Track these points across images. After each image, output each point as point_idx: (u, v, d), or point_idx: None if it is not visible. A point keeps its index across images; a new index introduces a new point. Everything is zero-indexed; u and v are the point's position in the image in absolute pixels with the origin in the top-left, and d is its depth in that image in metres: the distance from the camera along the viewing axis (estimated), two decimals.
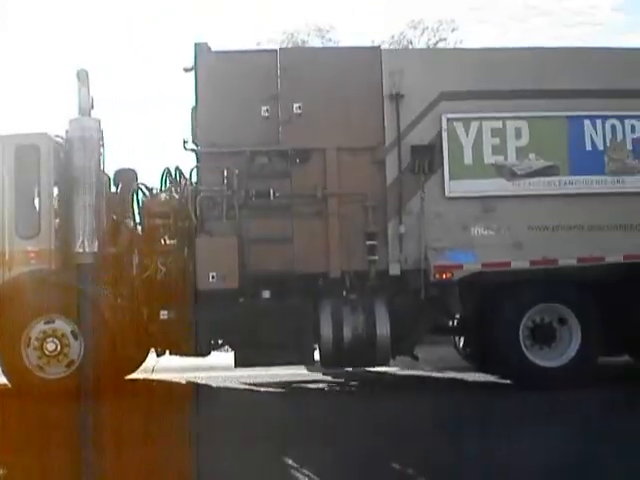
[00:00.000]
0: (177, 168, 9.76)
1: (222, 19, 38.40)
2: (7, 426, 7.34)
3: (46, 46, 37.12)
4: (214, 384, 10.13)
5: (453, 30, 24.16)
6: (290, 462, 6.11)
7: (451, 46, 22.19)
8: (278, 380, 10.09)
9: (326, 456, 6.16)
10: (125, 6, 40.14)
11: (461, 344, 10.68)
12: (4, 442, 6.54)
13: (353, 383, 10.05)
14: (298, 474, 5.81)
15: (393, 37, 23.98)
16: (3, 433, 6.83)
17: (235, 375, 10.15)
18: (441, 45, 23.04)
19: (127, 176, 10.17)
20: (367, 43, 21.28)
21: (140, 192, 10.02)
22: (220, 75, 9.36)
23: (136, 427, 7.19)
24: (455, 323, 10.10)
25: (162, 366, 10.01)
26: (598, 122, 9.47)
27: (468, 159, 9.34)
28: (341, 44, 21.60)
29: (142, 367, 10.39)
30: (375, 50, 9.85)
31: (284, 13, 41.15)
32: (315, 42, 22.86)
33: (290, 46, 21.38)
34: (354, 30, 36.32)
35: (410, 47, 22.81)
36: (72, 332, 9.11)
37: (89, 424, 7.49)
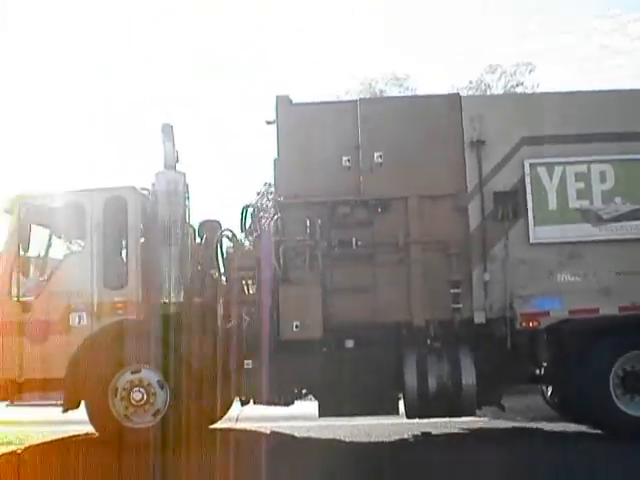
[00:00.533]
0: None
1: (301, 72, 39.42)
2: (94, 475, 7.57)
3: (135, 101, 38.56)
4: (297, 434, 10.14)
5: (530, 72, 24.22)
6: None
7: (529, 89, 22.19)
8: (364, 431, 10.03)
9: None
10: (210, 60, 41.48)
11: (549, 393, 10.49)
12: None
13: (439, 434, 9.90)
14: None
15: (471, 82, 24.17)
16: None
17: (319, 425, 10.14)
18: (519, 89, 23.07)
19: (211, 227, 10.40)
20: (445, 89, 21.64)
21: (225, 241, 10.23)
22: (301, 127, 9.58)
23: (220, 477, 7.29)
24: (542, 372, 9.89)
25: (246, 415, 10.08)
26: None
27: (552, 204, 9.28)
28: (418, 91, 21.89)
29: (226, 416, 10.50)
30: (454, 97, 9.92)
31: (360, 63, 41.91)
32: (393, 91, 23.17)
33: (368, 96, 21.67)
34: (431, 77, 36.96)
35: (488, 92, 22.91)
36: (158, 382, 9.29)
37: (176, 473, 7.65)
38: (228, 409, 10.65)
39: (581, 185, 9.29)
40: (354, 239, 9.30)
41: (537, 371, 9.89)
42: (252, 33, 46.91)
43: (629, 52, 38.17)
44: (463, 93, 20.59)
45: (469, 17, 42.35)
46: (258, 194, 20.29)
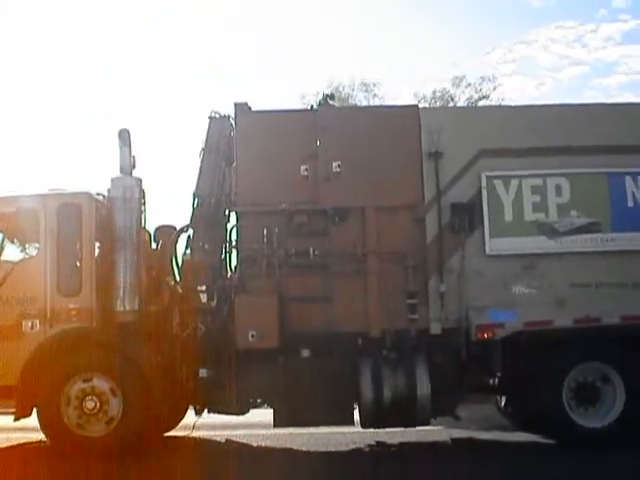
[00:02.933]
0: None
1: (268, 72, 39.66)
2: None
3: (89, 103, 38.50)
4: (254, 442, 10.33)
5: (495, 88, 24.74)
6: None
7: (493, 102, 22.65)
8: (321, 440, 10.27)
9: None
10: (168, 59, 41.50)
11: (503, 403, 10.81)
12: None
13: (392, 443, 10.17)
14: None
15: (435, 92, 24.60)
16: None
17: (275, 433, 10.34)
18: (483, 102, 23.55)
19: (167, 232, 10.53)
20: (409, 99, 22.03)
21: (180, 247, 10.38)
22: (259, 135, 9.77)
23: None
24: (497, 382, 10.19)
25: (202, 423, 10.24)
26: (639, 178, 9.69)
27: (508, 216, 9.59)
28: (385, 98, 22.26)
29: (182, 424, 10.66)
30: (413, 109, 10.18)
31: (330, 66, 42.34)
32: (359, 96, 23.53)
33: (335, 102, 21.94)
34: (396, 86, 37.52)
35: (451, 103, 23.34)
36: (111, 390, 9.41)
37: None
38: (182, 417, 10.82)
39: (537, 198, 9.60)
40: (311, 248, 9.51)
41: (491, 381, 10.18)
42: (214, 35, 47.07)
43: (586, 62, 39.33)
44: (427, 104, 21.19)
45: (433, 27, 43.09)
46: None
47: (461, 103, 24.67)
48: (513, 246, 9.54)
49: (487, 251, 9.52)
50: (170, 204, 11.70)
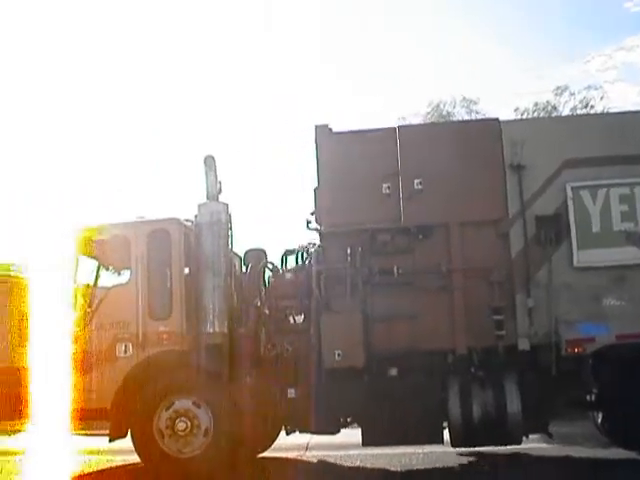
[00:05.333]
0: (301, 248, 10.46)
1: (364, 90, 40.26)
2: None
3: (175, 132, 39.85)
4: (346, 463, 10.57)
5: (602, 97, 24.44)
6: None
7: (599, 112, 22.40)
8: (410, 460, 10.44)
9: None
10: (254, 87, 42.61)
11: (599, 419, 10.74)
12: None
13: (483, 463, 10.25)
14: None
15: (537, 104, 24.46)
16: None
17: (375, 453, 10.55)
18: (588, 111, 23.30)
19: (256, 256, 10.95)
20: (510, 113, 22.08)
21: (267, 272, 10.77)
22: (340, 155, 10.09)
23: None
24: (591, 398, 10.14)
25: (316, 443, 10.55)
26: None
27: (596, 227, 9.60)
28: (487, 114, 22.32)
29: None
30: (494, 122, 10.28)
31: (430, 84, 42.68)
32: (461, 113, 23.65)
33: (434, 118, 22.16)
34: (497, 100, 37.62)
35: (554, 114, 23.14)
36: (201, 411, 9.83)
37: None
38: (275, 438, 11.18)
39: (625, 207, 9.59)
40: (395, 267, 9.74)
41: (586, 397, 10.13)
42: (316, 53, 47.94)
43: None
44: (529, 115, 21.12)
45: (529, 37, 42.82)
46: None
47: (565, 113, 24.39)
48: (602, 257, 9.54)
49: (575, 263, 9.55)
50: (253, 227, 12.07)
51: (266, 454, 11.25)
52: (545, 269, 9.58)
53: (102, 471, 10.83)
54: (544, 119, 15.27)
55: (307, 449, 10.54)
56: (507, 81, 41.31)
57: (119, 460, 11.14)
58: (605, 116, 10.41)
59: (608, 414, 10.36)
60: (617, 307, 9.47)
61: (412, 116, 23.46)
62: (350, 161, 10.02)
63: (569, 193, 9.63)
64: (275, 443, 11.23)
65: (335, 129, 10.32)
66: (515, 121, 15.05)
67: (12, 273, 19.51)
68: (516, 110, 24.44)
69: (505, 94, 41.59)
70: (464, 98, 25.38)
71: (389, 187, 9.90)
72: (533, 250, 9.62)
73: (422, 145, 9.97)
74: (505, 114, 22.96)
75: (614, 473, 9.40)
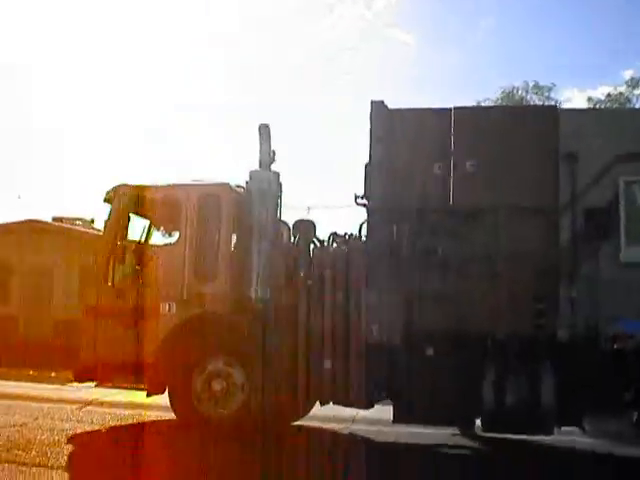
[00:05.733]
0: (346, 234, 10.65)
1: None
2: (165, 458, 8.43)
3: (233, 99, 40.33)
4: (376, 437, 10.69)
5: None
6: None
7: None
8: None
9: None
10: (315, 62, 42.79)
11: (635, 418, 10.66)
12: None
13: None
14: None
15: (610, 95, 24.09)
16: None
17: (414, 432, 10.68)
18: None
19: (305, 227, 11.11)
20: (583, 102, 21.83)
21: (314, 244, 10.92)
22: (394, 132, 10.14)
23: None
24: (629, 396, 10.08)
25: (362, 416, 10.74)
26: None
27: None
28: (559, 102, 22.10)
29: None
30: (552, 109, 10.29)
31: (505, 72, 42.29)
32: (533, 100, 23.43)
33: (505, 103, 22.00)
34: (571, 88, 37.16)
35: (628, 105, 22.78)
36: (238, 373, 10.08)
37: (242, 464, 8.49)
38: (310, 407, 11.35)
39: None
40: (440, 247, 9.80)
41: (624, 394, 10.05)
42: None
43: None
44: (601, 106, 20.82)
45: (607, 29, 42.02)
46: None
47: (638, 105, 23.97)
48: None
49: (622, 259, 9.47)
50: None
51: (308, 423, 11.46)
52: (591, 262, 9.52)
53: (138, 426, 11.06)
54: (602, 110, 15.09)
55: (353, 422, 10.67)
56: (585, 71, 40.51)
57: (154, 416, 11.40)
58: None
59: None
60: None
61: (484, 102, 23.27)
62: (403, 139, 10.08)
63: (621, 187, 9.54)
64: (325, 414, 11.38)
65: (390, 106, 10.36)
66: (573, 110, 14.85)
67: None
68: (589, 100, 24.09)
69: (582, 84, 40.87)
70: (536, 84, 25.05)
71: (440, 167, 9.94)
72: (580, 242, 9.57)
73: (476, 127, 9.99)
74: (578, 103, 22.62)
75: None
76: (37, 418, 10.95)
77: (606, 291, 9.45)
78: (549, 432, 9.68)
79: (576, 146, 9.63)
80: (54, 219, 26.50)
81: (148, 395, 10.47)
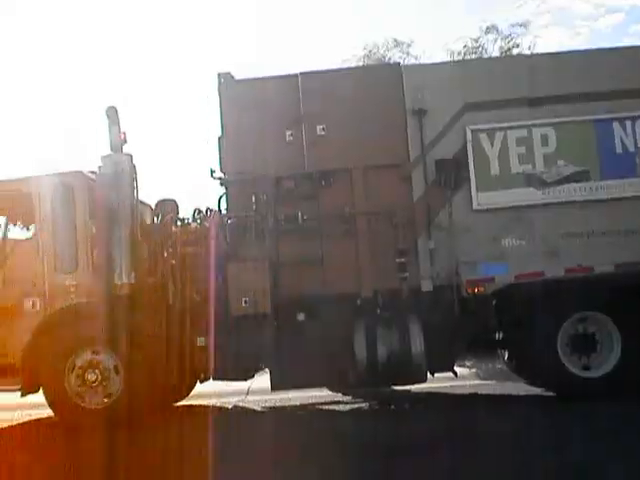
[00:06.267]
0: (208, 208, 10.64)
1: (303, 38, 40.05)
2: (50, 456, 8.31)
3: (76, 82, 39.17)
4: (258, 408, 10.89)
5: (525, 34, 24.69)
6: None
7: (525, 51, 22.80)
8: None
9: None
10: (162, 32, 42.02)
11: (506, 357, 11.19)
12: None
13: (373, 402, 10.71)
14: None
15: (466, 46, 24.68)
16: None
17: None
18: (515, 51, 23.69)
19: (167, 207, 11.02)
20: (444, 55, 22.38)
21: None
22: (243, 103, 10.18)
23: (161, 453, 8.04)
24: (495, 336, 10.54)
25: (256, 388, 10.79)
26: (628, 123, 9.96)
27: (495, 170, 9.91)
28: (421, 58, 22.54)
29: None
30: (395, 67, 10.54)
31: (364, 28, 42.57)
32: (396, 56, 23.74)
33: (366, 62, 22.30)
34: (431, 44, 37.91)
35: (485, 55, 23.52)
36: (110, 362, 9.98)
37: (129, 452, 8.26)
38: (192, 386, 11.44)
39: (522, 150, 9.91)
40: (300, 213, 9.95)
41: (490, 336, 10.52)
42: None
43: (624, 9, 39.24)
44: (459, 57, 21.41)
45: None
46: None
47: (495, 54, 24.66)
48: (501, 199, 9.87)
49: (475, 206, 9.86)
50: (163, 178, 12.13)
51: (200, 401, 11.58)
52: (445, 212, 9.89)
53: (18, 426, 10.84)
54: (445, 63, 15.37)
55: (247, 394, 10.79)
56: (447, 25, 41.31)
57: (35, 414, 11.18)
58: (505, 59, 10.74)
59: (512, 352, 10.80)
60: (516, 247, 9.84)
61: (351, 60, 23.43)
62: (253, 108, 10.12)
63: (468, 136, 9.90)
64: (218, 389, 11.49)
65: (238, 77, 10.39)
66: (416, 65, 15.41)
67: None
68: (450, 52, 24.57)
69: (446, 37, 41.66)
70: (395, 41, 25.39)
71: (292, 134, 10.06)
72: (434, 193, 9.90)
73: (324, 91, 10.10)
74: (440, 57, 23.05)
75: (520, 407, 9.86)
76: None
77: (462, 238, 9.85)
78: (422, 380, 10.03)
79: (422, 100, 9.93)
80: None
81: (22, 395, 10.21)
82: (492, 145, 9.90)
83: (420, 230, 9.91)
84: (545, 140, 9.91)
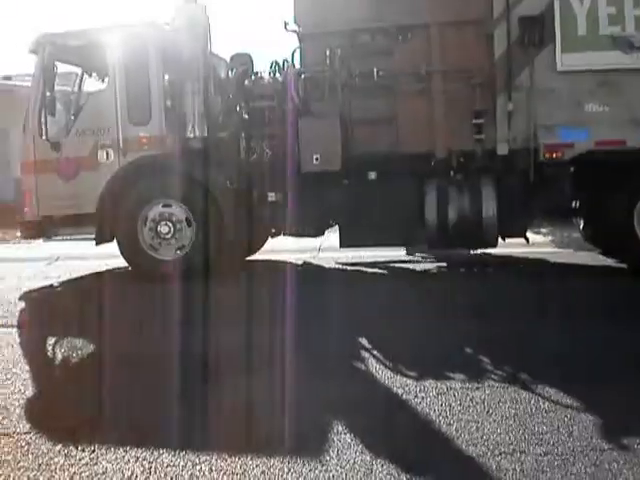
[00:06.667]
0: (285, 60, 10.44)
1: None
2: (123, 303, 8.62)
3: None
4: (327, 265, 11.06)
5: None
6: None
7: None
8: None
9: None
10: None
11: (582, 226, 11.03)
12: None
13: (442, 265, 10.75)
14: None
15: None
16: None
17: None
18: None
19: (241, 61, 10.91)
20: None
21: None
22: None
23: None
24: (573, 205, 10.31)
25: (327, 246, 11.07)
26: None
27: (582, 30, 9.38)
28: None
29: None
30: None
31: None
32: None
33: None
34: None
35: None
36: (184, 216, 10.16)
37: (202, 301, 8.61)
38: (262, 242, 11.68)
39: (613, 10, 9.35)
40: (375, 69, 9.73)
41: (566, 204, 10.29)
42: None
43: None
44: None
45: None
46: None
47: None
48: (586, 61, 9.38)
49: (558, 67, 9.43)
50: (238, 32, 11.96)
51: (271, 256, 11.81)
52: (527, 72, 9.48)
53: (92, 274, 11.23)
54: None
55: (319, 250, 10.89)
56: None
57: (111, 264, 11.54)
58: None
59: (587, 222, 10.63)
60: (598, 113, 9.42)
61: None
62: None
63: None
64: (292, 246, 11.76)
65: None
66: None
67: None
68: None
69: None
70: None
71: None
72: (516, 52, 9.48)
73: None
74: None
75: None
76: (4, 278, 11.00)
77: (543, 101, 9.50)
78: (493, 244, 9.97)
79: None
80: (4, 77, 25.72)
81: (97, 244, 10.54)
82: (581, 3, 9.38)
83: (499, 91, 9.57)
84: (637, 1, 9.34)
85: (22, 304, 9.15)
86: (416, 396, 4.92)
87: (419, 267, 10.74)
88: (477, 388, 5.06)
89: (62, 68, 10.96)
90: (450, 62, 9.65)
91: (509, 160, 9.70)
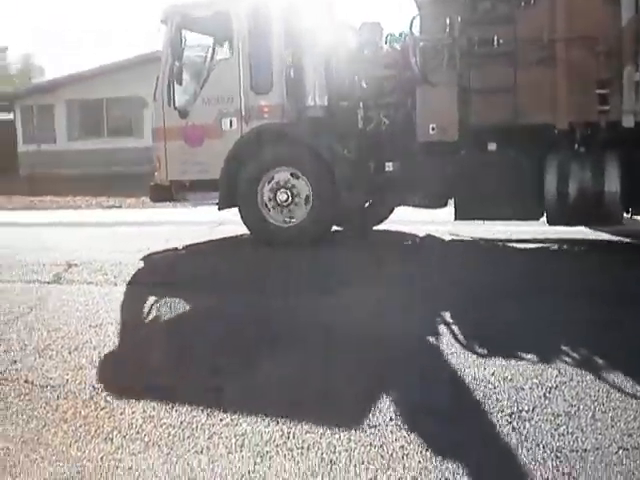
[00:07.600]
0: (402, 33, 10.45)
1: None
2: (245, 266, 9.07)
3: None
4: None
5: None
6: None
7: None
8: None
9: None
10: None
11: None
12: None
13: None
14: None
15: None
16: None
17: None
18: None
19: (370, 30, 11.03)
20: None
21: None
22: None
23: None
24: None
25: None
26: None
27: None
28: None
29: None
30: None
31: None
32: None
33: None
34: None
35: None
36: (302, 183, 10.46)
37: (323, 266, 9.11)
38: (388, 211, 11.89)
39: None
40: (495, 37, 9.57)
41: None
42: None
43: None
44: None
45: None
46: None
47: None
48: None
49: None
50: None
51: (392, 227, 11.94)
52: None
53: (217, 240, 11.76)
54: None
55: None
56: None
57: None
58: None
59: None
60: None
61: None
62: None
63: None
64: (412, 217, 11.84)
65: None
66: None
67: None
68: None
69: None
70: None
71: None
72: None
73: None
74: None
75: None
76: (168, 240, 11.58)
77: None
78: (617, 222, 9.61)
79: None
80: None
81: (220, 209, 11.02)
82: None
83: (626, 59, 9.14)
84: None
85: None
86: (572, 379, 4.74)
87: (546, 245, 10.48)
88: None
89: (199, 38, 11.48)
90: (575, 29, 9.32)
91: (636, 133, 9.31)
